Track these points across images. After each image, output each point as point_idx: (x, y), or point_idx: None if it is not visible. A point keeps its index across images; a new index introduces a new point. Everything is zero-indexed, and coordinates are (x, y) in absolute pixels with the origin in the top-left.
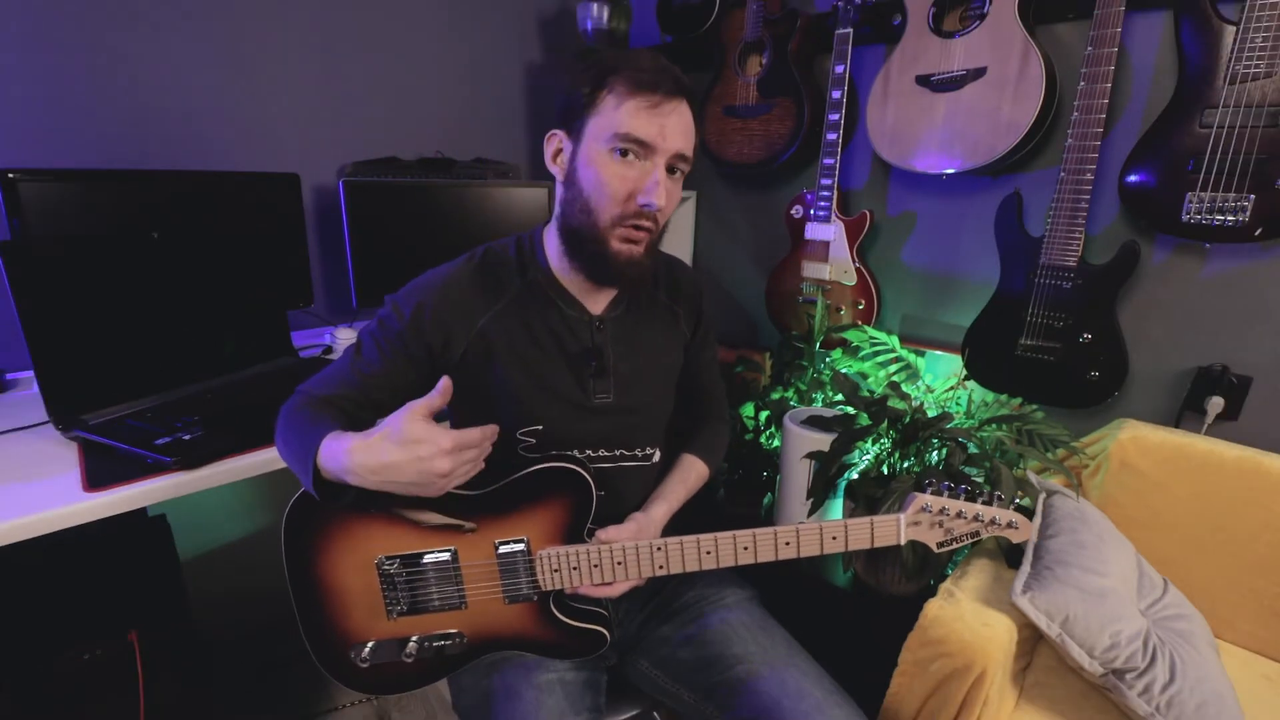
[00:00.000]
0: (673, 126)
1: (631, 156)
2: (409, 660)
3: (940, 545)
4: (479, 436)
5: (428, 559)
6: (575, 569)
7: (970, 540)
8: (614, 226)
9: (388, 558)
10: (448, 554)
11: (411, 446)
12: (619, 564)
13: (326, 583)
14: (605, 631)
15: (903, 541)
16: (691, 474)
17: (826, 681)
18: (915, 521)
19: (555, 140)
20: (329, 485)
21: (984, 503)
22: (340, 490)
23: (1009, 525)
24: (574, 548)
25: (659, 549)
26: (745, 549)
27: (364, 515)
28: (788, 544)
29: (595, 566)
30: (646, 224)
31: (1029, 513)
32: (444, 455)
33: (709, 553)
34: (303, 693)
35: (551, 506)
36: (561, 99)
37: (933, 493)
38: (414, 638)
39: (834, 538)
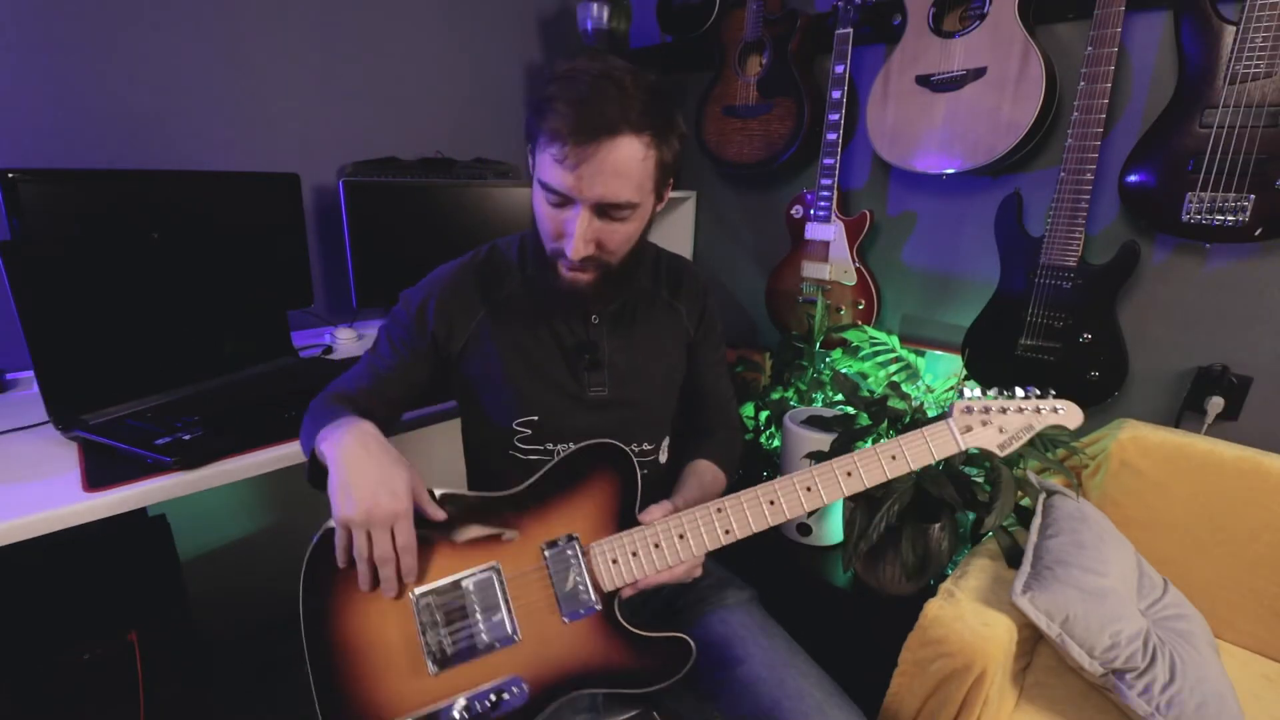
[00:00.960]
0: (592, 174)
1: (556, 202)
2: None
3: (1002, 447)
4: (407, 532)
5: (469, 582)
6: (635, 555)
7: (1026, 435)
8: (554, 256)
9: (424, 591)
10: (490, 571)
11: (395, 491)
12: (680, 538)
13: (353, 641)
14: (688, 639)
15: (964, 447)
16: (707, 475)
17: (827, 682)
18: (966, 427)
19: (530, 157)
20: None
21: (1022, 397)
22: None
23: (1055, 411)
24: (629, 533)
25: (720, 510)
26: (808, 490)
27: None
28: (849, 474)
29: (656, 547)
30: (571, 261)
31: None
32: (400, 519)
33: (773, 503)
34: (303, 692)
35: (594, 493)
36: None
37: (967, 398)
38: (462, 699)
39: (893, 457)
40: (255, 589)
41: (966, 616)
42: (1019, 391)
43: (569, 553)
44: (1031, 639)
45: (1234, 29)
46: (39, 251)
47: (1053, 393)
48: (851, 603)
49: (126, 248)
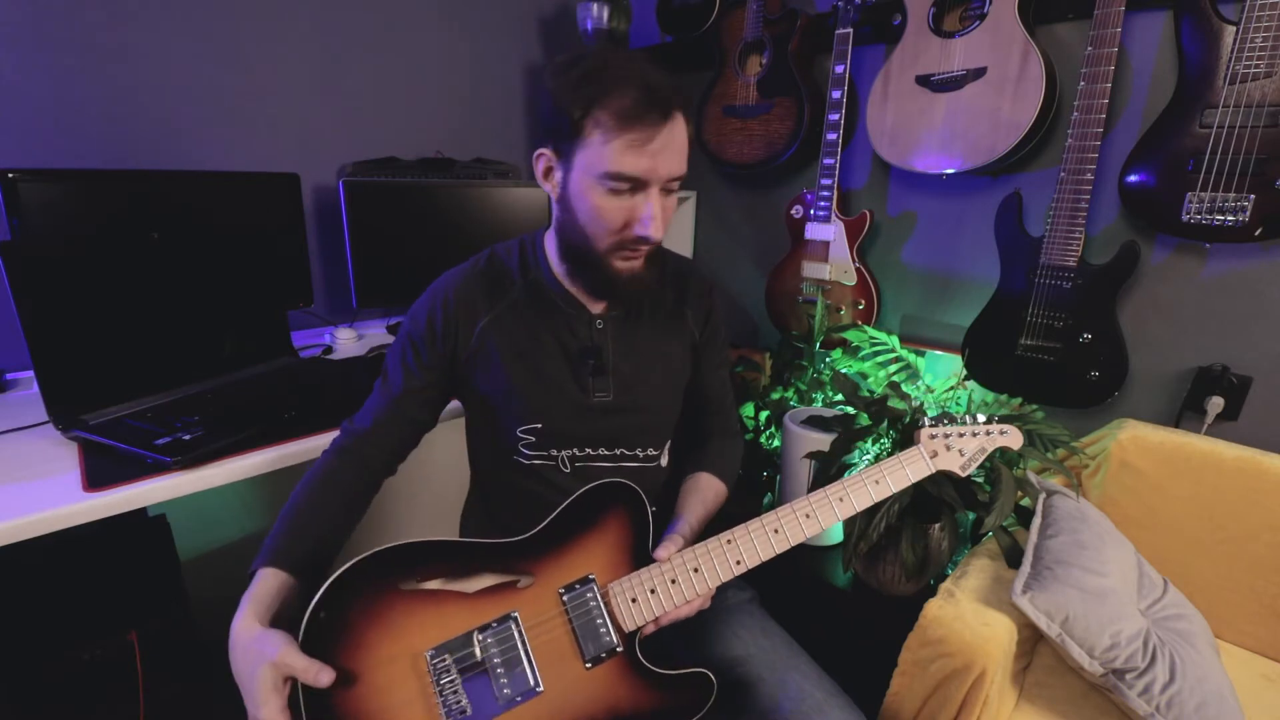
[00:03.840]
0: (665, 155)
1: (623, 190)
2: None
3: (963, 469)
4: None
5: (486, 635)
6: (654, 592)
7: (980, 458)
8: (613, 250)
9: (437, 650)
10: (509, 620)
11: (256, 700)
12: (695, 571)
13: (362, 709)
14: (709, 673)
15: (933, 470)
16: (709, 492)
17: (827, 682)
18: (933, 452)
19: (544, 160)
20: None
21: (972, 423)
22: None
23: (1001, 434)
24: (645, 570)
25: (729, 542)
26: (807, 516)
27: (398, 604)
28: (841, 500)
29: (673, 583)
30: (644, 247)
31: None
32: (251, 711)
33: (777, 531)
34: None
35: (606, 533)
36: (546, 110)
37: (931, 425)
38: None
39: (877, 482)
40: None
41: (966, 616)
42: (968, 418)
43: (588, 595)
44: (1031, 639)
45: (1234, 29)
46: (39, 251)
47: (995, 417)
48: (851, 603)
49: (126, 248)
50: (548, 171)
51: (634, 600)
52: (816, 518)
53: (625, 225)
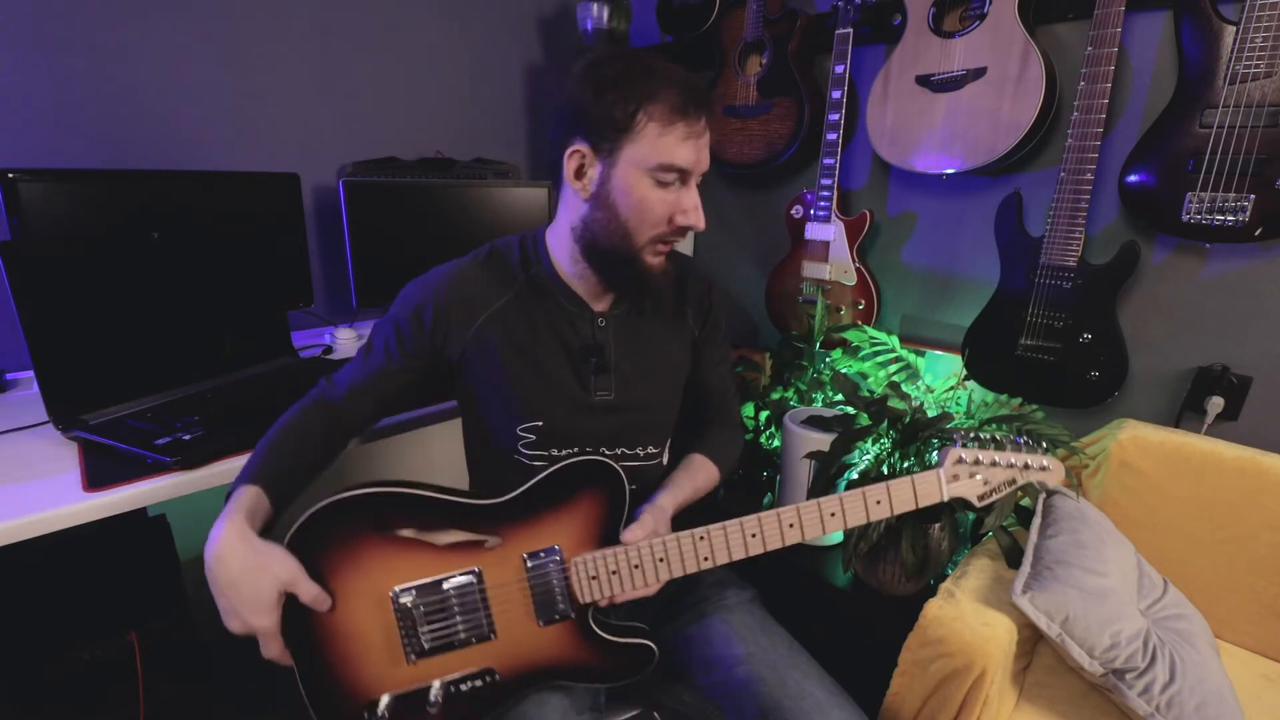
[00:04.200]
0: (706, 149)
1: (671, 181)
2: (434, 711)
3: (981, 499)
4: (278, 651)
5: (449, 584)
6: (614, 573)
7: (1008, 489)
8: (649, 245)
9: (403, 589)
10: (472, 576)
11: (256, 609)
12: (660, 560)
13: (332, 629)
14: (652, 645)
15: (946, 498)
16: (700, 473)
17: (827, 681)
18: (954, 476)
19: (578, 157)
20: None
21: (1013, 449)
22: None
23: (1041, 469)
24: (611, 550)
25: (701, 538)
26: (791, 526)
27: (372, 544)
28: (833, 515)
29: (636, 568)
30: (680, 239)
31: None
32: (248, 619)
33: (754, 535)
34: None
35: (581, 508)
36: (576, 108)
37: (964, 445)
38: (438, 682)
39: (878, 502)
40: None
41: (966, 616)
42: (1009, 445)
43: (550, 565)
44: (1031, 639)
45: (1234, 29)
46: (39, 251)
47: (1044, 445)
48: (851, 603)
49: (126, 248)
50: (580, 170)
51: (594, 577)
52: (800, 528)
53: (668, 218)
